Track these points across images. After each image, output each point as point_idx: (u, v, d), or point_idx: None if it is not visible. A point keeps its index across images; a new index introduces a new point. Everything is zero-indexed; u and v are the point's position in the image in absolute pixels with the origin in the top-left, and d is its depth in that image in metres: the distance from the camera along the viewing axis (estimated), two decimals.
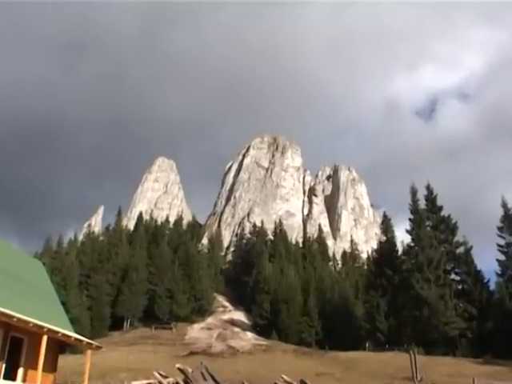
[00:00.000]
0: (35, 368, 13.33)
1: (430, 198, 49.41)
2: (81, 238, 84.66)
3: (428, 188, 49.88)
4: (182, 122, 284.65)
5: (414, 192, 50.30)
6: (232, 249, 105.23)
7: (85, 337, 17.86)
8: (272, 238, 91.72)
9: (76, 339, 15.85)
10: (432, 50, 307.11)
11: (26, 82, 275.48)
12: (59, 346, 16.66)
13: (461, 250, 46.22)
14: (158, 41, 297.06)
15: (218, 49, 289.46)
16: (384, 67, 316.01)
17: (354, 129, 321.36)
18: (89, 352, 16.36)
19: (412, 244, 48.42)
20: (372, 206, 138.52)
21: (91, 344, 16.30)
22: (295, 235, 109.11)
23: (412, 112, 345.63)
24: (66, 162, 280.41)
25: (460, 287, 44.96)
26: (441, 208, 48.49)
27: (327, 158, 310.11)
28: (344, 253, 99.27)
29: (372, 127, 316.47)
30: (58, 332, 14.38)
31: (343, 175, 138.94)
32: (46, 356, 13.42)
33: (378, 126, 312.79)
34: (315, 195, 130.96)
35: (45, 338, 13.47)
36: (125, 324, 61.68)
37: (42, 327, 13.40)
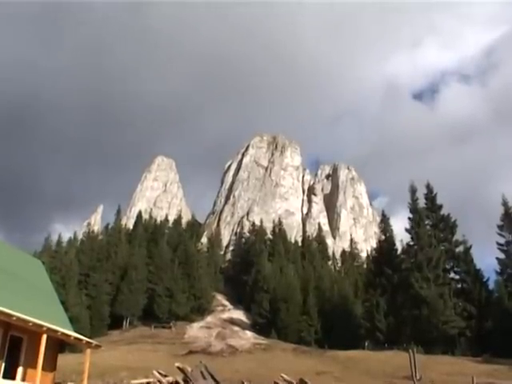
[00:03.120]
0: (34, 367, 13.31)
1: (430, 196, 49.44)
2: (80, 236, 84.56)
3: (428, 186, 49.90)
4: (168, 109, 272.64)
5: (413, 191, 50.29)
6: (231, 248, 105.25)
7: (84, 336, 17.84)
8: (271, 236, 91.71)
9: (75, 338, 15.82)
10: (435, 26, 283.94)
11: (1, 64, 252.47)
12: (59, 344, 16.64)
13: (460, 248, 46.25)
14: (143, 22, 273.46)
15: (205, 32, 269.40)
16: (384, 45, 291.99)
17: (351, 115, 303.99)
18: (88, 351, 16.35)
19: (411, 243, 48.42)
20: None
21: (90, 343, 16.28)
22: (294, 234, 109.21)
23: (412, 95, 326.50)
24: (46, 150, 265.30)
25: (459, 286, 44.99)
26: (440, 207, 48.51)
27: (324, 146, 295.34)
28: (343, 252, 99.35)
29: (370, 113, 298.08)
30: (57, 331, 14.36)
31: (342, 174, 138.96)
32: (45, 355, 13.40)
33: (377, 111, 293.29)
34: (314, 194, 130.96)
35: (44, 336, 13.45)
36: (124, 323, 61.63)
37: (41, 326, 13.38)
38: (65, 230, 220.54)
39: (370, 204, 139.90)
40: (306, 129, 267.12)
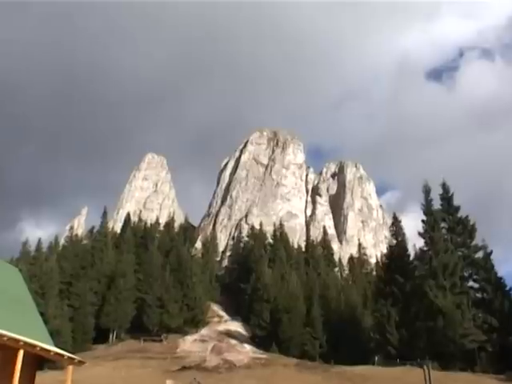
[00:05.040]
0: None
1: (446, 196, 49.23)
2: (62, 241, 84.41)
3: (443, 186, 49.69)
4: (148, 94, 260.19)
5: (427, 191, 50.10)
6: (228, 253, 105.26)
7: (66, 351, 17.64)
8: (272, 241, 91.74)
9: (56, 354, 15.62)
10: None
11: None
12: (37, 361, 16.44)
13: (479, 254, 46.05)
14: None
15: (189, 6, 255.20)
16: (394, 17, 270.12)
17: (357, 99, 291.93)
18: (70, 368, 16.18)
19: (425, 248, 48.22)
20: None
21: (73, 359, 16.08)
22: (297, 238, 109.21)
23: (428, 74, 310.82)
24: (9, 140, 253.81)
25: (479, 295, 44.80)
26: (458, 208, 48.32)
27: (327, 136, 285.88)
28: (351, 258, 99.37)
29: (379, 96, 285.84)
30: (35, 346, 14.16)
31: (350, 172, 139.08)
32: (22, 373, 13.21)
33: (387, 93, 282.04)
34: (319, 195, 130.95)
35: (21, 352, 13.27)
36: (110, 336, 61.52)
37: (17, 341, 13.19)
38: (35, 228, 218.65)
39: (380, 206, 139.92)
40: (305, 116, 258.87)
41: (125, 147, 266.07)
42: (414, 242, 52.98)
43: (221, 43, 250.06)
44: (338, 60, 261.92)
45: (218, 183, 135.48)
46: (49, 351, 15.13)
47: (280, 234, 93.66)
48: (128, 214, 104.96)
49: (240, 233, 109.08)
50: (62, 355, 15.79)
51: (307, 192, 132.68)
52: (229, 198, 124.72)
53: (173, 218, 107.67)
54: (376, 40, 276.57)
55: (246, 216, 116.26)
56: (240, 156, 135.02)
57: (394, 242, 54.04)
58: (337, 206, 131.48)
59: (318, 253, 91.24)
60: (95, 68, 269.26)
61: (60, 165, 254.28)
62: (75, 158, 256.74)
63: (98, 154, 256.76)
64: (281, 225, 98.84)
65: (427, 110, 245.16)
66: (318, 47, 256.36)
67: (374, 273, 76.65)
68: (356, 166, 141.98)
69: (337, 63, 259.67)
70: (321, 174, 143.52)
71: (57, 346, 17.53)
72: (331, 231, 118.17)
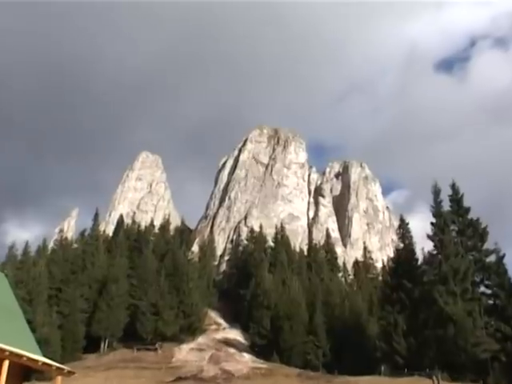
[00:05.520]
0: None
1: (455, 197, 49.14)
2: (51, 245, 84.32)
3: (453, 186, 49.61)
4: (138, 88, 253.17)
5: (436, 192, 50.01)
6: (226, 257, 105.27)
7: (55, 361, 17.55)
8: (272, 244, 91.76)
9: (44, 364, 15.52)
10: None
11: None
12: (24, 371, 16.34)
13: (492, 258, 45.92)
14: None
15: None
16: (402, 4, 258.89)
17: (362, 91, 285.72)
18: (59, 378, 16.10)
19: (434, 252, 48.15)
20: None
21: (62, 369, 15.98)
22: (299, 242, 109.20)
23: (437, 65, 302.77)
24: None
25: (491, 302, 44.69)
26: (468, 210, 48.21)
27: (331, 128, 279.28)
28: (355, 262, 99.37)
29: (386, 88, 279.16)
30: (22, 356, 14.06)
31: (354, 172, 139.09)
32: None
33: (394, 86, 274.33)
34: (322, 196, 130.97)
35: (6, 363, 13.21)
36: (102, 345, 61.43)
37: (2, 350, 13.13)
38: (19, 229, 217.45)
39: (387, 207, 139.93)
40: (306, 112, 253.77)
41: (114, 144, 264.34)
42: (423, 246, 52.82)
43: (216, 38, 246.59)
44: (341, 52, 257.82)
45: (216, 183, 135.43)
46: (36, 361, 15.02)
47: (281, 237, 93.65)
48: (121, 216, 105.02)
49: (239, 236, 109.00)
50: (51, 365, 15.69)
51: (309, 193, 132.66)
52: (227, 199, 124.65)
53: (168, 220, 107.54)
54: (381, 30, 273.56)
55: (246, 218, 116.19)
56: (239, 155, 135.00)
57: (401, 245, 53.97)
58: (341, 207, 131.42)
59: (320, 257, 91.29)
60: (82, 62, 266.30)
61: (45, 162, 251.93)
62: (61, 155, 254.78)
63: (86, 151, 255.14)
64: (282, 227, 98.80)
65: (436, 103, 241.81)
66: (319, 39, 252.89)
67: (380, 278, 76.58)
68: (361, 166, 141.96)
69: (340, 56, 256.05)
70: (324, 173, 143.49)
71: (45, 355, 17.43)
72: (335, 234, 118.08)
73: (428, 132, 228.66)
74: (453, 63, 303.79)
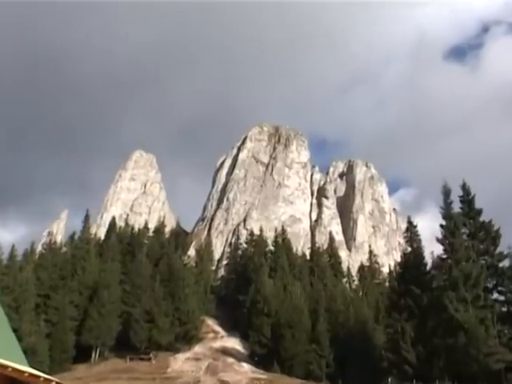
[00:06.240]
0: None
1: (467, 198, 49.08)
2: (39, 248, 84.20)
3: (464, 187, 49.55)
4: (126, 77, 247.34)
5: (446, 192, 49.93)
6: (225, 262, 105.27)
7: (42, 371, 17.44)
8: (273, 248, 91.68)
9: (31, 375, 15.40)
10: None
11: None
12: (9, 383, 16.22)
13: (505, 263, 45.83)
14: None
15: None
16: None
17: (367, 82, 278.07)
18: None
19: (444, 256, 48.11)
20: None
21: (50, 380, 15.87)
22: (301, 245, 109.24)
23: (448, 53, 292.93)
24: None
25: (505, 309, 44.64)
26: (480, 211, 48.14)
27: (334, 123, 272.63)
28: (361, 267, 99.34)
29: (392, 79, 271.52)
30: (7, 366, 13.94)
31: (359, 172, 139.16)
32: None
33: (401, 76, 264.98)
34: (325, 197, 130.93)
35: None
36: (93, 355, 61.28)
37: None
38: (0, 230, 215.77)
39: (394, 209, 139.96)
40: (308, 107, 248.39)
41: (103, 140, 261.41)
42: (432, 249, 52.83)
43: (210, 28, 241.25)
44: (344, 41, 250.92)
45: (214, 184, 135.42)
46: (22, 372, 14.92)
47: (282, 241, 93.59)
48: (113, 218, 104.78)
49: (238, 239, 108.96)
50: (38, 376, 15.58)
51: (312, 194, 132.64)
52: (225, 200, 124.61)
53: (163, 222, 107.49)
54: (387, 16, 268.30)
55: (245, 220, 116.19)
56: (238, 154, 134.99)
57: (409, 249, 53.89)
58: (345, 209, 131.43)
59: (324, 261, 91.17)
60: (69, 53, 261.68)
61: (28, 157, 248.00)
62: (46, 151, 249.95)
63: (73, 147, 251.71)
64: (283, 230, 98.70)
65: (446, 95, 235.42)
66: (320, 27, 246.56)
67: (387, 284, 76.65)
68: (366, 165, 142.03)
69: (342, 45, 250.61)
70: (327, 173, 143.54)
71: (32, 366, 17.33)
72: (339, 237, 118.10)
73: (437, 126, 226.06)
74: (464, 51, 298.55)
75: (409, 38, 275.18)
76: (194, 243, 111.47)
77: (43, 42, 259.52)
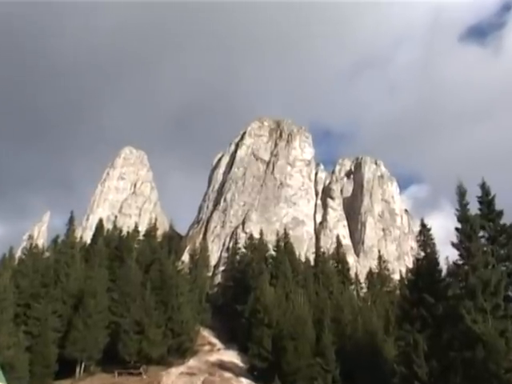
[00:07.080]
0: None
1: (486, 199, 48.68)
2: (18, 253, 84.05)
3: (483, 186, 49.17)
4: (107, 64, 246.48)
5: (461, 193, 49.41)
6: (222, 268, 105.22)
7: None
8: (274, 253, 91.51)
9: None
10: None
11: None
12: None
13: None
14: None
15: None
16: None
17: (376, 67, 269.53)
18: None
19: (460, 262, 47.82)
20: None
21: None
22: (305, 250, 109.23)
23: (466, 34, 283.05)
24: None
25: None
26: (500, 213, 47.74)
27: (341, 113, 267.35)
28: (369, 273, 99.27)
29: (405, 62, 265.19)
30: None
31: (368, 171, 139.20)
32: None
33: (415, 59, 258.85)
34: (331, 197, 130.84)
35: None
36: (77, 369, 61.13)
37: None
38: None
39: (405, 210, 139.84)
40: (311, 94, 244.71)
41: (84, 131, 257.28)
42: (447, 254, 52.52)
43: (199, 6, 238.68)
44: (351, 22, 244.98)
45: (210, 183, 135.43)
46: None
47: (284, 245, 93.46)
48: (100, 221, 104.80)
49: (236, 243, 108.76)
50: None
51: (317, 194, 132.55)
52: (222, 201, 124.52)
53: (155, 224, 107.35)
54: None
55: (244, 223, 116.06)
56: (236, 151, 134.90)
57: (422, 254, 53.48)
58: (352, 210, 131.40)
59: (329, 267, 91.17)
60: (45, 38, 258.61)
61: None
62: (20, 145, 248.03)
63: (49, 140, 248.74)
64: (285, 233, 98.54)
65: (464, 79, 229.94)
66: (323, 5, 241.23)
67: (398, 292, 76.43)
68: (376, 163, 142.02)
69: (348, 26, 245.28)
70: (333, 172, 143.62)
71: (9, 382, 17.02)
72: (346, 241, 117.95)
73: (453, 116, 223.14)
74: (484, 31, 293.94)
75: (421, 18, 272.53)
76: (188, 248, 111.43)
77: (17, 28, 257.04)
